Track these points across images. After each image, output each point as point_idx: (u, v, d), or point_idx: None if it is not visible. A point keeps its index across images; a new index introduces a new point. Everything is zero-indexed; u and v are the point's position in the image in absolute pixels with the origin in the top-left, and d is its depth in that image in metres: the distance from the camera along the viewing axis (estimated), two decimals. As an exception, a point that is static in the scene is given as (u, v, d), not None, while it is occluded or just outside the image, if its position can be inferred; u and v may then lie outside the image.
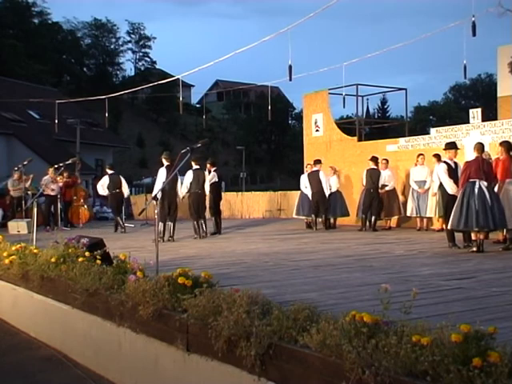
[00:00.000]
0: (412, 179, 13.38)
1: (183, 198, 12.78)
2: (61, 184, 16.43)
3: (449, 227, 9.00)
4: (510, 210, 9.01)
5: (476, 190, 8.61)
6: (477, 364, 2.54)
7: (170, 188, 11.96)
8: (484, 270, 6.87)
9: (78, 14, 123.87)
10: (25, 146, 29.11)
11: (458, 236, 9.37)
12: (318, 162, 14.59)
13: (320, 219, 14.53)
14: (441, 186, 10.04)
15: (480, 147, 8.97)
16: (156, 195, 6.00)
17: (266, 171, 61.97)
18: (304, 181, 15.06)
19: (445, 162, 9.53)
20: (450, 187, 9.22)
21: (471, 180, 8.68)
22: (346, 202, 14.98)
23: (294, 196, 17.12)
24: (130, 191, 28.56)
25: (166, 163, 12.24)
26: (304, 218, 15.16)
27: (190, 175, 12.56)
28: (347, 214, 15.04)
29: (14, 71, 41.35)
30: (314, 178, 14.27)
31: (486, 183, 8.78)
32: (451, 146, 9.70)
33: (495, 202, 8.74)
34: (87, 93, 36.10)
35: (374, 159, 13.68)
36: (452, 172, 9.34)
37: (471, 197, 8.60)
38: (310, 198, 14.31)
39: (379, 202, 13.66)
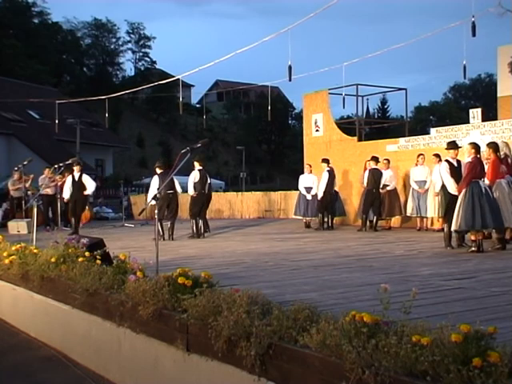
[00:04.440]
0: (412, 179, 13.39)
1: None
2: (60, 183, 16.40)
3: (457, 228, 8.85)
4: (505, 209, 9.05)
5: (483, 190, 8.64)
6: (477, 364, 2.54)
7: (168, 189, 11.99)
8: (484, 270, 6.87)
9: (78, 14, 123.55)
10: (25, 146, 29.16)
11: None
12: (328, 161, 14.53)
13: (318, 219, 14.54)
14: (443, 185, 10.04)
15: (478, 147, 8.99)
16: (156, 195, 6.00)
17: (266, 171, 61.91)
18: (304, 181, 15.07)
19: (447, 160, 9.52)
20: (451, 186, 9.19)
21: (474, 180, 8.69)
22: (342, 202, 14.99)
23: (294, 196, 17.10)
24: (126, 192, 28.55)
25: (158, 171, 12.39)
26: (301, 217, 15.16)
27: (196, 176, 12.65)
28: (344, 214, 15.10)
29: (14, 71, 41.35)
30: (332, 178, 14.24)
31: (486, 183, 8.82)
32: (452, 145, 9.69)
33: (496, 201, 8.80)
34: (87, 93, 36.10)
35: (375, 159, 13.67)
36: (455, 171, 9.32)
37: (481, 196, 8.60)
38: (321, 197, 14.17)
39: (380, 202, 13.66)
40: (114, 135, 43.34)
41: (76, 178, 13.79)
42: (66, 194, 13.80)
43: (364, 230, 13.51)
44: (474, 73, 70.79)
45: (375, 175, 13.56)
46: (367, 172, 13.71)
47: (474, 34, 11.57)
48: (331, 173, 14.23)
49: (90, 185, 14.04)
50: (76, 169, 13.84)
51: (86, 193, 14.04)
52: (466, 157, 9.37)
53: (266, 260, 8.31)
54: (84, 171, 14.51)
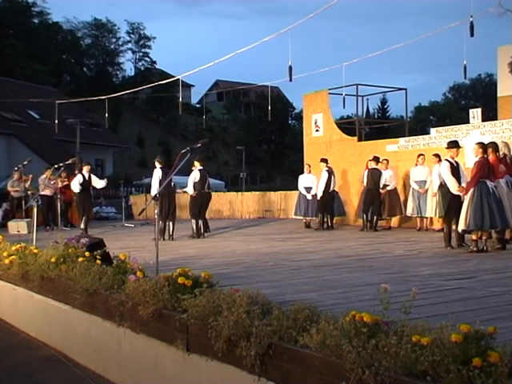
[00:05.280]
0: (412, 179, 13.38)
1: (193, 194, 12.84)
2: (60, 185, 16.41)
3: (465, 228, 8.80)
4: (505, 209, 9.07)
5: (491, 190, 8.66)
6: (477, 364, 2.55)
7: (165, 189, 11.99)
8: (484, 270, 6.88)
9: (77, 14, 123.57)
10: (25, 146, 29.14)
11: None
12: (326, 160, 14.53)
13: (318, 219, 14.53)
14: (441, 186, 10.06)
15: (485, 147, 9.01)
16: (156, 195, 6.00)
17: (266, 171, 61.92)
18: (303, 181, 15.07)
19: (447, 160, 9.51)
20: (453, 186, 9.18)
21: (482, 180, 8.69)
22: (342, 202, 14.99)
23: (294, 196, 17.10)
24: (130, 191, 28.64)
25: (158, 166, 12.50)
26: (301, 217, 15.17)
27: (196, 175, 12.68)
28: (343, 214, 15.09)
29: (14, 71, 41.33)
30: (330, 177, 14.25)
31: (493, 183, 8.82)
32: (453, 144, 9.67)
33: (501, 201, 8.83)
34: (87, 93, 36.06)
35: (376, 159, 13.67)
36: (454, 171, 9.33)
37: (489, 196, 8.61)
38: (320, 196, 14.18)
39: (380, 202, 13.65)
40: (113, 135, 43.32)
41: (86, 178, 14.11)
42: (76, 188, 13.97)
43: (365, 229, 13.49)
44: (474, 73, 70.94)
45: (374, 175, 13.55)
46: (366, 172, 13.73)
47: (472, 34, 11.56)
48: (330, 172, 14.24)
49: (100, 181, 14.54)
50: (85, 168, 14.19)
51: (99, 186, 14.63)
52: (473, 156, 9.36)
53: (266, 260, 8.31)
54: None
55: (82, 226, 13.76)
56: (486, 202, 8.59)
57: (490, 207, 8.58)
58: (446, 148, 9.83)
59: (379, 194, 13.60)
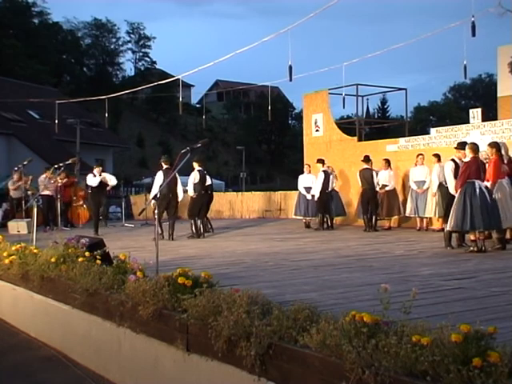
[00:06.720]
0: (412, 179, 13.38)
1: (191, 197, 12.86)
2: (59, 184, 16.40)
3: (450, 229, 8.88)
4: (507, 209, 9.04)
5: (477, 191, 8.62)
6: (477, 364, 2.55)
7: (168, 189, 11.99)
8: (484, 270, 6.87)
9: (78, 14, 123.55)
10: (25, 146, 29.11)
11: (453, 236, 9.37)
12: (323, 161, 14.55)
13: (318, 219, 14.53)
14: (440, 186, 10.07)
15: (476, 148, 8.97)
16: (156, 195, 6.01)
17: (266, 171, 61.94)
18: (303, 181, 15.07)
19: (453, 160, 9.48)
20: (452, 187, 9.18)
21: (470, 180, 8.67)
22: (342, 202, 14.99)
23: (294, 196, 17.10)
24: (130, 191, 28.66)
25: (164, 166, 12.47)
26: (301, 217, 15.17)
27: (196, 176, 12.67)
28: (343, 214, 15.09)
29: (14, 71, 41.32)
30: (327, 178, 14.27)
31: (484, 183, 8.80)
32: (463, 146, 9.61)
33: (493, 202, 8.79)
34: (87, 93, 36.04)
35: (366, 159, 13.66)
36: (458, 172, 9.31)
37: (473, 197, 8.58)
38: (317, 197, 14.19)
39: (377, 202, 13.62)
40: (114, 135, 43.27)
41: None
42: (94, 182, 13.99)
43: (368, 230, 13.46)
44: (474, 73, 70.86)
45: (365, 175, 13.55)
46: (358, 173, 13.75)
47: (473, 34, 11.55)
48: (326, 173, 14.24)
49: (111, 179, 14.59)
50: (97, 170, 14.25)
51: (111, 184, 14.62)
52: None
53: (266, 260, 8.31)
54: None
55: (99, 225, 13.96)
56: (469, 202, 8.56)
57: (472, 208, 8.53)
58: (456, 148, 9.78)
59: (375, 193, 13.57)
